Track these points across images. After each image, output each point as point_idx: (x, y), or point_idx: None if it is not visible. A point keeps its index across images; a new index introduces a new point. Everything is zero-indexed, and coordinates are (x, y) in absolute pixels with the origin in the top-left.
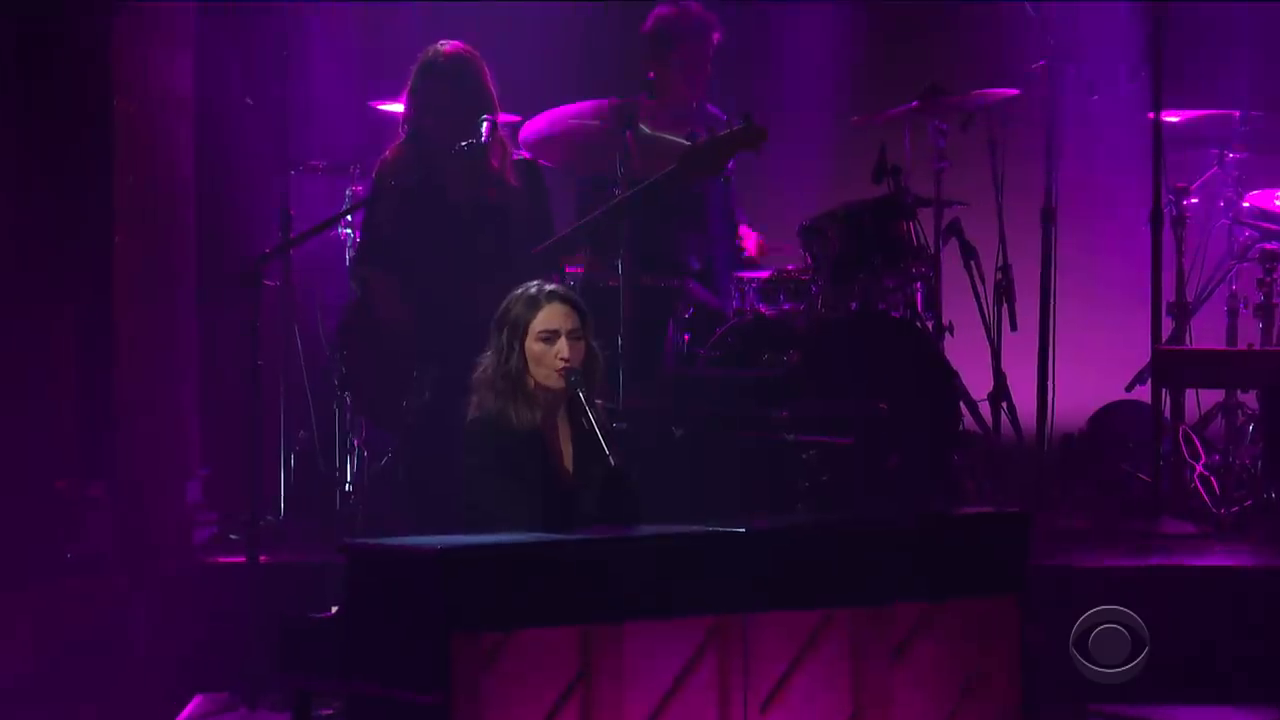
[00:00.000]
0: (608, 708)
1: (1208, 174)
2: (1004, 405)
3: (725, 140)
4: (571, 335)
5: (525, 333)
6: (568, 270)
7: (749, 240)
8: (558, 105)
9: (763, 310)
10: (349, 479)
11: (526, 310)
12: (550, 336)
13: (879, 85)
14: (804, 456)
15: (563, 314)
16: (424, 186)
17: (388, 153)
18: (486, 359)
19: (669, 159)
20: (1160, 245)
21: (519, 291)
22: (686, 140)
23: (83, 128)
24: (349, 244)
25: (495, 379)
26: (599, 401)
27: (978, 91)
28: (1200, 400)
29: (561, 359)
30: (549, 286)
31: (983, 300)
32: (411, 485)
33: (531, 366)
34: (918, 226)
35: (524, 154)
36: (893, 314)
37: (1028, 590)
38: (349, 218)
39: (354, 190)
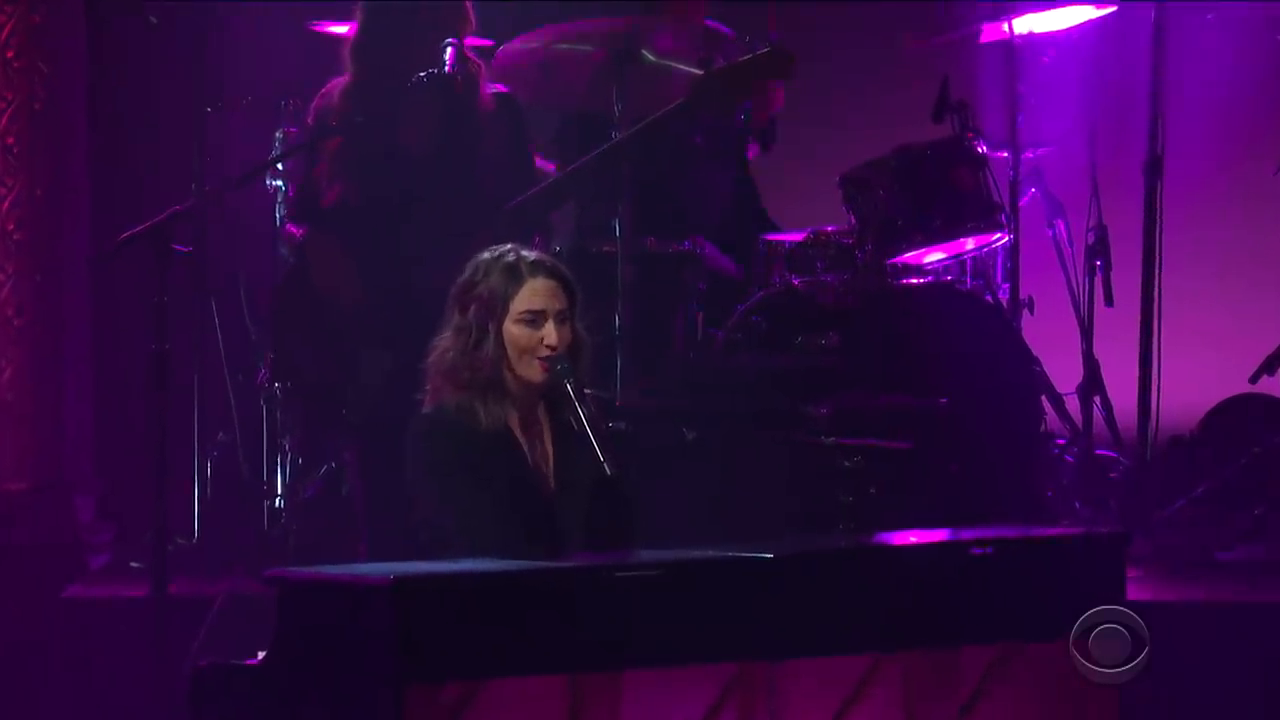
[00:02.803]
0: None
1: None
2: (1096, 400)
3: (746, 67)
4: (559, 318)
5: (503, 313)
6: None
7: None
8: (539, 27)
9: (795, 282)
10: (280, 492)
11: (505, 284)
12: (535, 319)
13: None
14: (847, 464)
15: (550, 291)
16: (374, 127)
17: (331, 86)
18: (444, 341)
19: (678, 91)
20: None
21: (489, 258)
22: (699, 68)
23: None
24: (280, 199)
25: (460, 368)
26: (588, 392)
27: (1064, 5)
28: None
29: (548, 347)
30: (531, 255)
31: (1071, 269)
32: (359, 500)
33: (509, 355)
34: (989, 176)
35: (500, 87)
36: (958, 286)
37: None
38: (281, 166)
39: (287, 132)
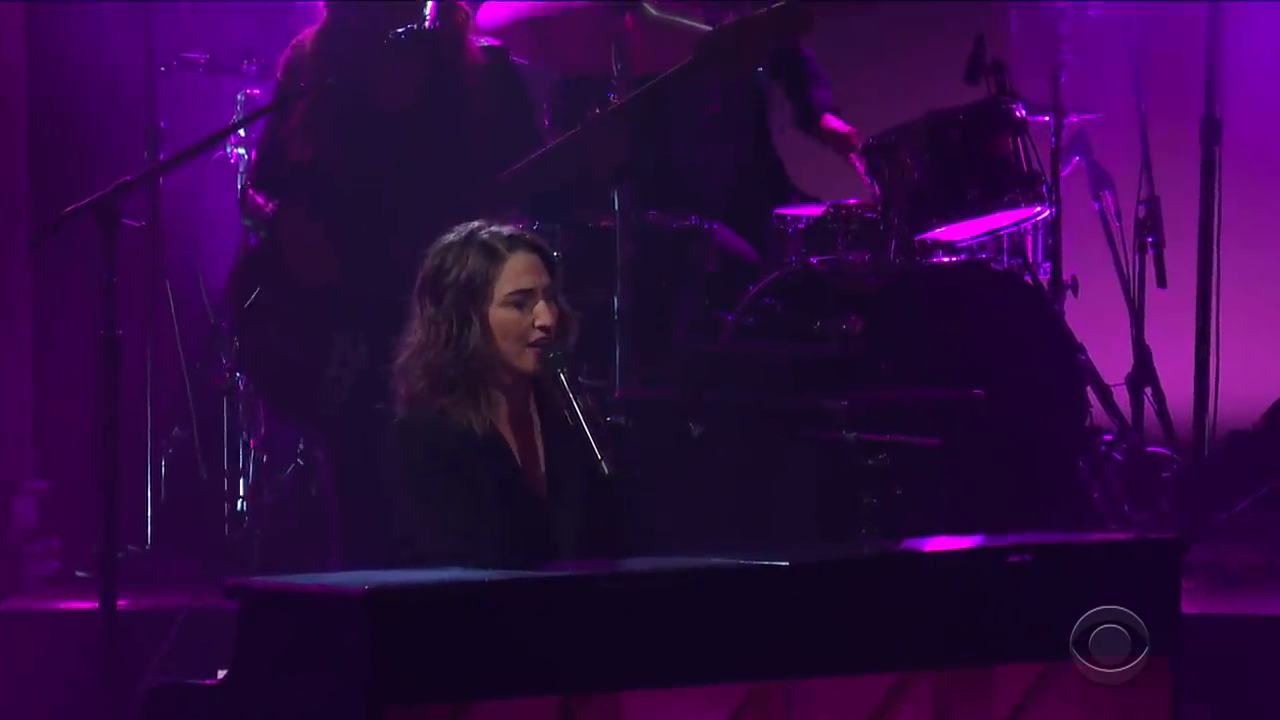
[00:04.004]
0: None
1: None
2: (1148, 391)
3: (758, 24)
4: (546, 295)
5: (486, 297)
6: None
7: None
8: None
9: (813, 261)
10: (242, 494)
11: (485, 265)
12: (523, 300)
13: None
14: (870, 463)
15: (534, 267)
16: (349, 88)
17: (304, 36)
18: (415, 339)
19: (684, 50)
20: None
21: (456, 240)
22: (708, 24)
23: None
24: (242, 168)
25: (442, 366)
26: (583, 381)
27: None
28: None
29: (541, 328)
30: (505, 230)
31: (1119, 246)
32: (330, 502)
33: (499, 344)
34: (1028, 144)
35: (490, 40)
36: (994, 266)
37: (1181, 647)
38: (243, 132)
39: (250, 94)
